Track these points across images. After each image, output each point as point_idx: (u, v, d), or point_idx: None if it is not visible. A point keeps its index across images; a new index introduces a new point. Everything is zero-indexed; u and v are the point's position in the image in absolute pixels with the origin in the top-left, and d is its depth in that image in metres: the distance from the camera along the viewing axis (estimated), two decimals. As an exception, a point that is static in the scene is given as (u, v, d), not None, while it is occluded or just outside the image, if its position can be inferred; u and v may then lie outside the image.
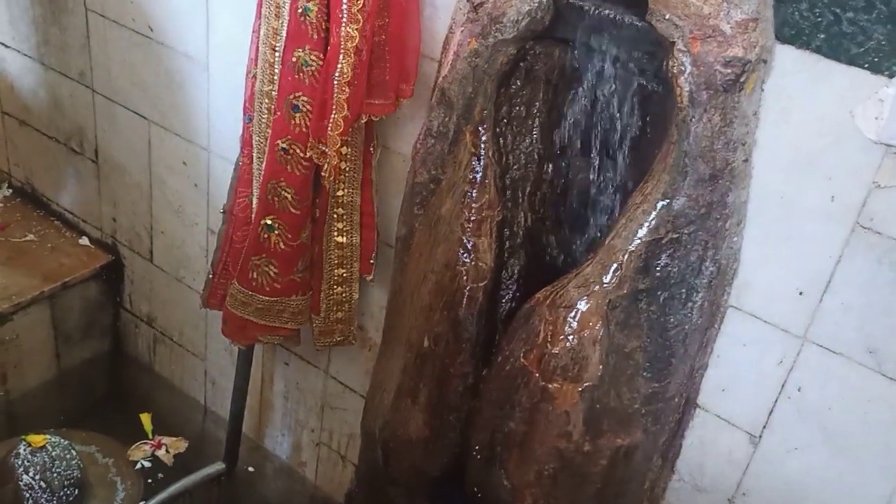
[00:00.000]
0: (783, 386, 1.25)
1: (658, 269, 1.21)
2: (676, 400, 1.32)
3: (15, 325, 2.09)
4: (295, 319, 1.68)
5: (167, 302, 2.20)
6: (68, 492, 1.87)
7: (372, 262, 1.61)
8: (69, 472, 1.88)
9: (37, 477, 1.83)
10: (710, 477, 1.38)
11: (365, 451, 1.74)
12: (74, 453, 1.92)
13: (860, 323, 1.14)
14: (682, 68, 1.10)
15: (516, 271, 1.41)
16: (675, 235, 1.19)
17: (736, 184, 1.16)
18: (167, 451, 2.13)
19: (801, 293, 1.18)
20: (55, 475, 1.85)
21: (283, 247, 1.57)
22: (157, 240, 2.12)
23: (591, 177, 1.37)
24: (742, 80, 1.09)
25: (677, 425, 1.36)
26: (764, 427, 1.29)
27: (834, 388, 1.19)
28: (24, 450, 1.86)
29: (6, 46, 2.16)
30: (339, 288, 1.66)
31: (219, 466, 1.97)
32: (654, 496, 1.43)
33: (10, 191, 2.40)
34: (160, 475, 2.07)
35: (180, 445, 2.16)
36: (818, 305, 1.17)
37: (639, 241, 1.20)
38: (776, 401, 1.26)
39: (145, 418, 2.16)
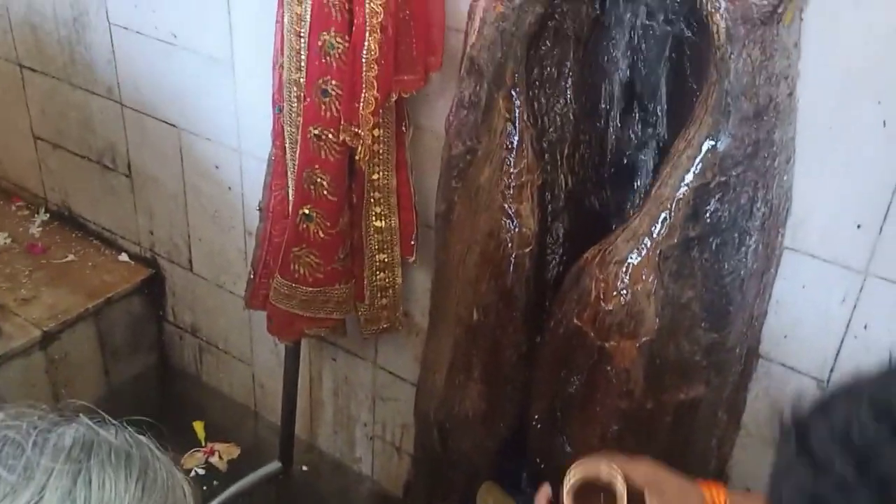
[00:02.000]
0: (848, 325, 1.21)
1: (708, 214, 1.18)
2: (738, 350, 1.29)
3: (63, 344, 2.11)
4: (340, 309, 1.67)
5: (210, 310, 2.21)
6: None
7: (413, 243, 1.60)
8: (128, 482, 1.88)
9: (97, 489, 1.83)
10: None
11: (420, 436, 1.72)
12: (131, 464, 1.92)
13: (924, 250, 1.11)
14: (717, 4, 1.08)
15: (561, 235, 1.39)
16: (722, 178, 1.16)
17: (782, 119, 1.13)
18: (220, 458, 2.13)
19: (859, 226, 1.15)
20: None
21: (322, 235, 1.57)
22: (195, 248, 2.13)
23: (630, 133, 1.35)
24: (780, 10, 1.06)
25: (740, 376, 1.33)
26: (832, 370, 1.26)
27: (902, 320, 1.16)
28: (82, 464, 1.86)
29: (34, 71, 2.19)
30: (382, 273, 1.65)
31: (275, 465, 1.97)
32: (722, 453, 1.40)
33: (48, 215, 2.42)
34: (215, 482, 2.07)
35: (233, 451, 2.16)
36: (878, 237, 1.14)
37: (686, 188, 1.17)
38: (842, 341, 1.23)
39: (198, 426, 2.16)
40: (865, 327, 1.20)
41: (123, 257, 2.30)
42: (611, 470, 0.97)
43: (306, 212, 1.55)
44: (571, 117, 1.36)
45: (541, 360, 1.37)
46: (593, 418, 1.32)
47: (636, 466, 0.98)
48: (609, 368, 1.27)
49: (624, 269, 1.23)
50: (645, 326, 1.23)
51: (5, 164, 2.48)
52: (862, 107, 1.09)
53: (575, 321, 1.28)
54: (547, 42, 1.32)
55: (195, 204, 2.05)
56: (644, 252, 1.21)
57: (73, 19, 2.00)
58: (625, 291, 1.23)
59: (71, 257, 2.29)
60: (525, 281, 1.36)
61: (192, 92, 1.88)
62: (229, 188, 1.95)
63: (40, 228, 2.39)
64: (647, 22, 1.24)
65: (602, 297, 1.24)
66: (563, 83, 1.35)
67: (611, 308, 1.24)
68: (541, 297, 1.39)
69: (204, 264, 2.14)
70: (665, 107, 1.31)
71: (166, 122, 1.97)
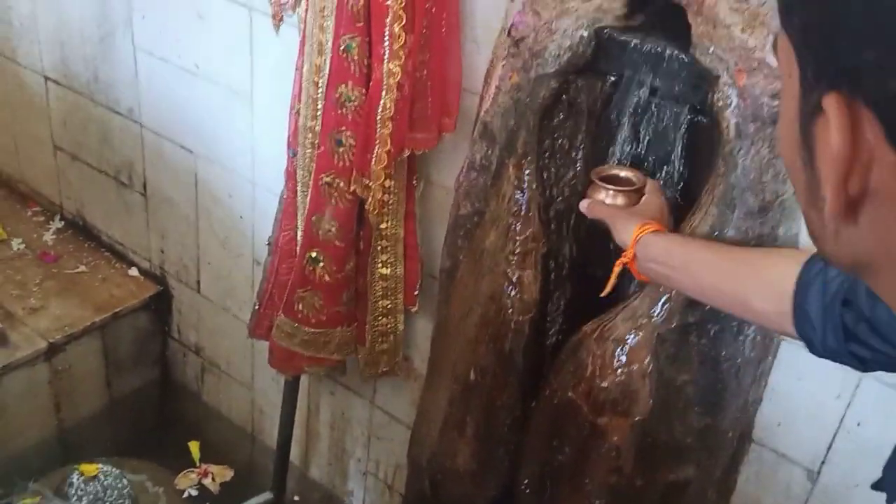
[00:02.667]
0: (842, 420, 1.21)
1: (708, 302, 1.19)
2: (730, 434, 1.29)
3: (68, 356, 2.13)
4: (340, 350, 1.69)
5: (214, 332, 2.23)
6: (120, 521, 1.90)
7: (416, 293, 1.61)
8: (121, 500, 1.91)
9: (90, 507, 1.86)
10: (766, 512, 1.34)
11: (412, 481, 1.74)
12: (126, 482, 1.94)
13: (920, 356, 1.11)
14: (728, 101, 1.09)
15: (562, 304, 1.40)
16: (724, 268, 1.17)
17: (787, 216, 1.14)
18: (213, 480, 2.15)
19: (857, 326, 1.15)
20: (108, 505, 1.88)
21: (327, 279, 1.58)
22: (203, 271, 2.15)
23: (637, 207, 1.35)
24: (791, 110, 1.07)
25: (732, 459, 1.33)
26: (822, 462, 1.26)
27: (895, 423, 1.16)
28: (77, 479, 1.89)
29: (58, 84, 2.21)
30: (384, 319, 1.66)
31: (266, 497, 1.98)
32: (709, 531, 1.40)
33: (63, 223, 2.46)
34: (207, 504, 2.09)
35: (226, 474, 2.17)
36: (876, 339, 1.14)
37: (688, 274, 1.18)
38: (835, 435, 1.23)
39: (193, 446, 2.18)
40: (858, 425, 1.20)
41: (133, 272, 2.32)
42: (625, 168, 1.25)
43: (313, 255, 1.57)
44: (580, 188, 1.37)
45: (534, 427, 1.37)
46: (582, 490, 1.32)
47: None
48: (600, 443, 1.28)
49: (621, 348, 1.23)
50: (638, 406, 1.24)
51: (25, 170, 2.51)
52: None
53: (570, 394, 1.29)
54: (560, 114, 1.33)
55: (207, 228, 2.07)
56: (642, 333, 1.22)
57: (100, 39, 2.03)
58: (620, 370, 1.23)
59: (82, 268, 2.32)
60: (524, 347, 1.37)
61: (210, 121, 1.90)
62: (241, 217, 1.97)
63: (54, 236, 2.41)
64: (661, 102, 1.25)
65: (598, 373, 1.25)
66: (574, 154, 1.36)
67: (606, 385, 1.25)
68: (538, 364, 1.40)
69: (211, 287, 2.16)
70: (675, 186, 1.32)
71: (183, 147, 1.99)
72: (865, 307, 0.80)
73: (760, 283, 0.95)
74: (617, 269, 1.15)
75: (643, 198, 1.19)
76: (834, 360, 0.87)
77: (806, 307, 0.87)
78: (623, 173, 1.23)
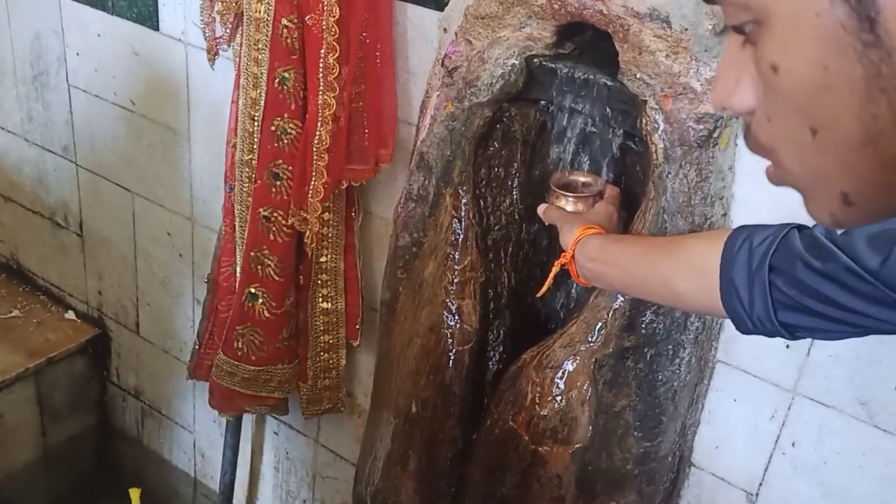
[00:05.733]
0: (777, 441, 1.22)
1: (643, 325, 1.19)
2: (670, 459, 1.29)
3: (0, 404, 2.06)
4: (282, 388, 1.65)
5: (154, 374, 2.17)
6: (53, 575, 1.82)
7: (358, 327, 1.60)
8: (54, 554, 1.83)
9: (20, 561, 1.78)
10: (709, 537, 1.34)
11: (357, 521, 1.70)
12: (60, 534, 1.87)
13: (850, 374, 1.13)
14: (656, 125, 1.11)
15: (502, 332, 1.39)
16: (658, 291, 1.18)
17: (716, 238, 1.15)
18: (155, 528, 2.08)
19: (787, 346, 1.16)
20: (40, 558, 1.80)
21: (267, 315, 1.56)
22: (143, 312, 2.10)
23: (574, 235, 1.36)
24: (715, 135, 1.09)
25: (672, 485, 1.33)
26: (760, 484, 1.26)
27: (828, 442, 1.17)
28: (8, 533, 1.81)
29: (-9, 124, 2.17)
30: (326, 354, 1.64)
31: (208, 543, 1.92)
32: (653, 559, 1.39)
33: (-4, 267, 2.39)
34: (147, 553, 2.02)
35: (168, 522, 2.11)
36: (806, 358, 1.16)
37: (622, 299, 1.19)
38: (771, 457, 1.24)
39: (133, 493, 2.11)
40: (793, 444, 1.21)
41: (70, 315, 2.26)
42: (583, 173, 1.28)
43: (252, 291, 1.54)
44: (517, 217, 1.38)
45: (476, 459, 1.36)
46: (525, 521, 1.30)
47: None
48: (542, 473, 1.26)
49: (559, 375, 1.23)
50: (578, 433, 1.23)
51: (-44, 213, 2.44)
52: (793, 232, 1.11)
53: (510, 423, 1.28)
54: (495, 143, 1.34)
55: (145, 268, 2.03)
56: (580, 359, 1.22)
57: (33, 77, 2.00)
58: (560, 397, 1.23)
59: (16, 313, 2.25)
60: (464, 377, 1.36)
61: (147, 159, 1.87)
62: (180, 255, 1.93)
63: (-14, 281, 2.35)
64: (592, 130, 1.27)
65: (537, 401, 1.25)
66: (510, 183, 1.37)
67: (545, 413, 1.24)
68: (480, 394, 1.39)
69: (151, 328, 2.11)
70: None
71: (120, 186, 1.96)
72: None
73: (683, 263, 0.95)
74: (555, 270, 1.15)
75: (596, 204, 1.21)
76: (765, 333, 0.86)
77: (732, 275, 0.87)
78: (582, 178, 1.25)
